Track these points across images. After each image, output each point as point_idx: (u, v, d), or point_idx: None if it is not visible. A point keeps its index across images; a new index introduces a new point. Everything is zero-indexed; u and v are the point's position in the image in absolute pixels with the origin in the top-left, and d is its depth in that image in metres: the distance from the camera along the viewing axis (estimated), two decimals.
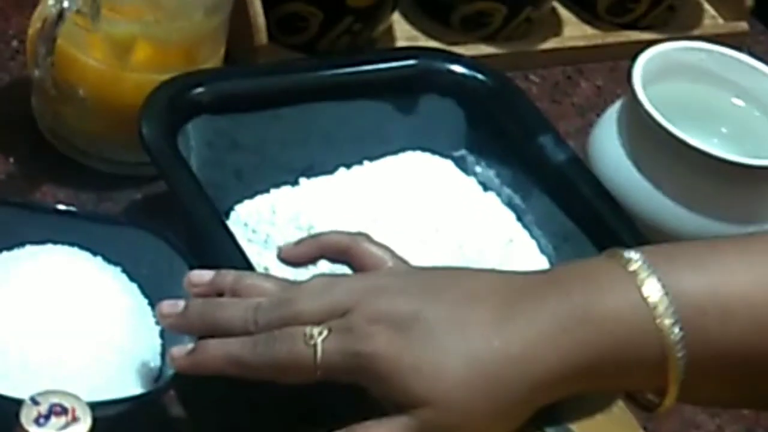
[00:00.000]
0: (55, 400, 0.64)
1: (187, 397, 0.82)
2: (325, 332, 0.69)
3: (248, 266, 0.81)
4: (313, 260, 0.78)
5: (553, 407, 0.85)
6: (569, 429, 0.84)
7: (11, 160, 0.94)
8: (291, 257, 0.78)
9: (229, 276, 0.75)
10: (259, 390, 0.82)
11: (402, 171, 0.93)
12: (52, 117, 0.94)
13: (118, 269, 0.81)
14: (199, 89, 0.89)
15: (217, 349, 0.71)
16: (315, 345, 0.69)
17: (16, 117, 0.96)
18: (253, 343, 0.70)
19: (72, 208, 0.81)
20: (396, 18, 1.10)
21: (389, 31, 1.09)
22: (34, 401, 0.64)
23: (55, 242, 0.81)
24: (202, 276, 0.75)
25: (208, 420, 0.82)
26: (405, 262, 0.76)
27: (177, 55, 0.90)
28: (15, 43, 1.02)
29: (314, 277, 0.74)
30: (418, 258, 0.84)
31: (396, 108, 0.96)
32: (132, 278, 0.81)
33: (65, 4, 0.85)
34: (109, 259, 0.81)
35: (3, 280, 0.79)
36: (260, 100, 0.91)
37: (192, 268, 0.80)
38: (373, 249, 0.76)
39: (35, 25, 0.87)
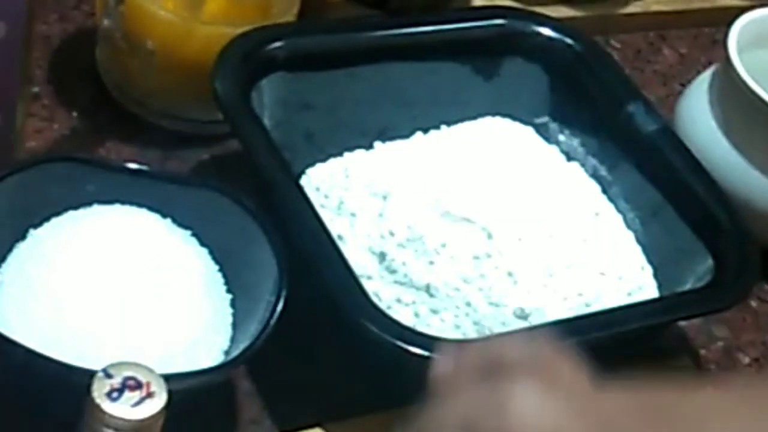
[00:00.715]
0: (129, 373, 0.59)
1: (258, 374, 0.79)
2: None
3: (324, 231, 0.76)
4: None
5: None
6: None
7: (74, 114, 0.90)
8: None
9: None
10: (333, 372, 0.80)
11: (481, 137, 0.89)
12: (118, 70, 0.89)
13: (188, 233, 0.77)
14: (276, 44, 0.84)
15: None
16: None
17: (79, 69, 0.92)
18: None
19: (143, 167, 0.77)
20: None
21: None
22: (107, 374, 0.59)
23: (123, 202, 0.76)
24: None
25: (277, 398, 0.78)
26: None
27: (251, 8, 0.85)
28: None
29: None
30: (497, 225, 0.81)
31: (476, 71, 0.91)
32: (202, 242, 0.77)
33: None
34: (179, 222, 0.77)
35: (69, 240, 0.74)
36: (336, 58, 0.87)
37: (267, 233, 0.75)
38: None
39: None
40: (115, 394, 0.59)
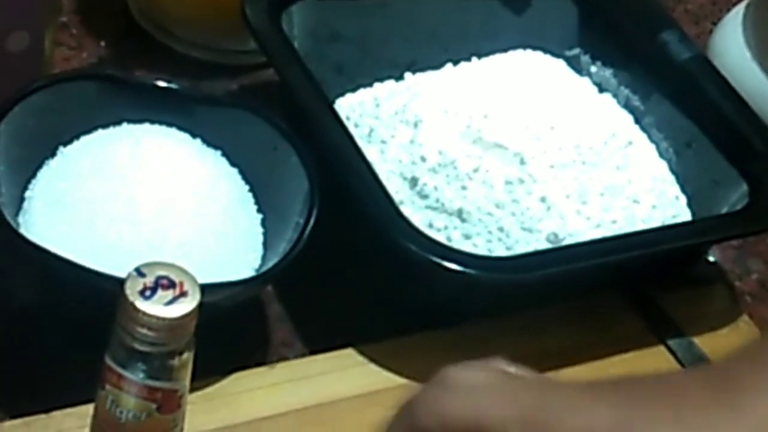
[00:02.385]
0: (163, 272, 0.58)
1: (289, 297, 0.77)
2: None
3: (358, 153, 0.75)
4: None
5: (676, 320, 0.79)
6: (692, 341, 0.78)
7: (102, 43, 0.88)
8: None
9: None
10: (364, 294, 0.78)
11: (512, 68, 0.86)
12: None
13: (218, 152, 0.75)
14: None
15: None
16: None
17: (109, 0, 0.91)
18: None
19: (172, 85, 0.75)
20: None
21: None
22: (140, 273, 0.57)
23: (152, 121, 0.74)
24: None
25: (308, 321, 0.77)
26: None
27: None
28: None
29: None
30: (530, 151, 0.79)
31: (506, 3, 0.89)
32: (232, 162, 0.75)
33: None
34: (209, 142, 0.75)
35: (98, 158, 0.73)
36: None
37: (298, 152, 0.73)
38: None
39: None
40: (148, 293, 0.57)
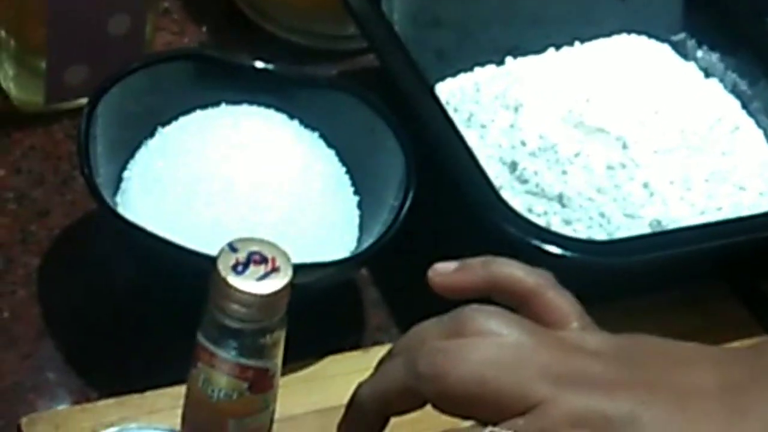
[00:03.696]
0: (255, 248, 0.56)
1: (384, 281, 0.75)
2: None
3: (458, 137, 0.73)
4: (473, 294, 0.60)
5: None
6: None
7: (203, 28, 0.87)
8: (445, 285, 0.61)
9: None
10: None
11: (615, 53, 0.83)
12: None
13: (315, 134, 0.73)
14: None
15: None
16: None
17: None
18: None
19: (271, 67, 0.73)
20: None
21: None
22: (233, 248, 0.56)
23: (251, 102, 0.73)
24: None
25: (404, 305, 0.75)
26: (589, 323, 0.59)
27: None
28: None
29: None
30: (633, 135, 0.76)
31: None
32: (330, 144, 0.73)
33: None
34: (306, 123, 0.73)
35: (197, 138, 0.72)
36: None
37: (396, 133, 0.72)
38: (559, 301, 0.58)
39: None
40: (240, 268, 0.55)
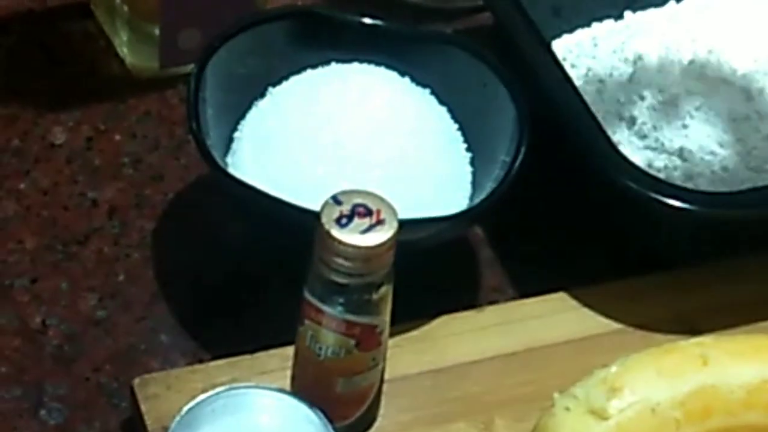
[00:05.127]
0: (360, 200, 0.54)
1: (499, 242, 0.72)
2: None
3: (575, 93, 0.70)
4: None
5: None
6: None
7: None
8: None
9: None
10: (577, 237, 0.73)
11: (738, 4, 0.80)
12: None
13: (426, 91, 0.71)
14: None
15: None
16: None
17: None
18: None
19: (381, 22, 0.71)
20: None
21: None
22: (337, 200, 0.54)
23: (361, 60, 0.71)
24: None
25: (519, 265, 0.72)
26: None
27: None
28: None
29: None
30: (759, 85, 0.72)
31: None
32: (441, 100, 0.71)
33: None
34: (417, 80, 0.71)
35: (308, 98, 0.69)
36: None
37: (509, 88, 0.69)
38: None
39: None
40: (344, 221, 0.53)
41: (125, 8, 0.76)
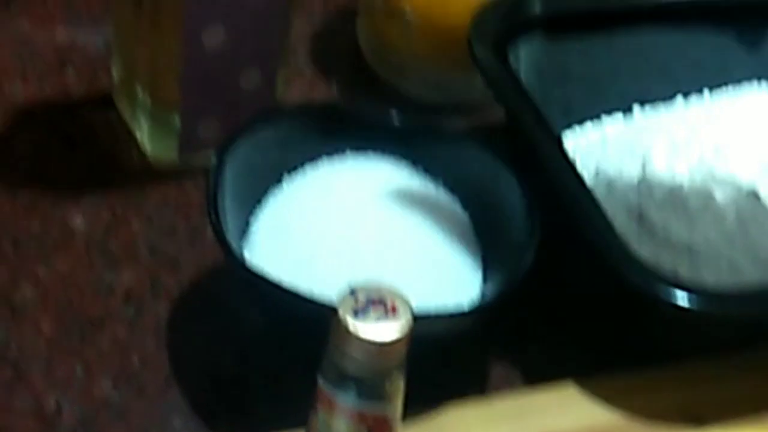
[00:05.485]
0: (374, 292, 0.55)
1: (508, 329, 0.73)
2: None
3: (585, 189, 0.71)
4: None
5: None
6: None
7: (333, 84, 0.87)
8: None
9: None
10: (584, 324, 0.74)
11: (746, 103, 0.81)
12: (377, 41, 0.86)
13: (439, 182, 0.72)
14: (534, 5, 0.79)
15: None
16: None
17: (339, 43, 0.89)
18: None
19: (395, 117, 0.73)
20: None
21: None
22: (353, 292, 0.55)
23: (376, 151, 0.73)
24: None
25: (528, 354, 0.73)
26: None
27: None
28: None
29: None
30: (766, 184, 0.73)
31: (741, 39, 0.84)
32: (453, 190, 0.72)
33: None
34: (429, 171, 0.72)
35: (323, 187, 0.71)
36: (595, 21, 0.81)
37: (520, 183, 0.70)
38: None
39: None
40: (359, 312, 0.54)
41: (148, 99, 0.78)
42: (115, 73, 0.81)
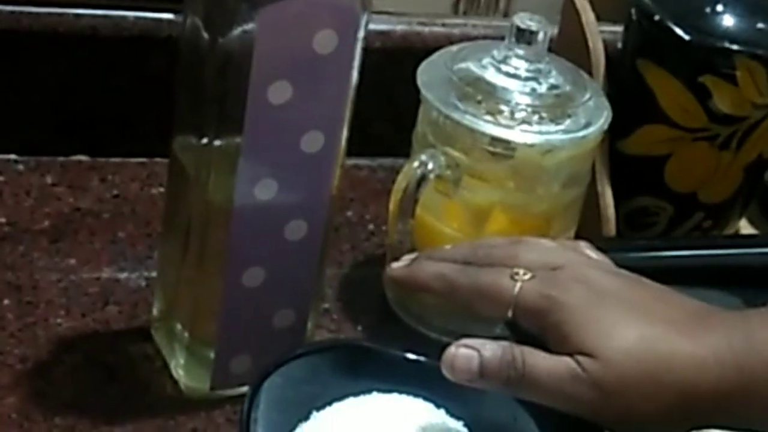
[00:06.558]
0: None
1: None
2: (530, 275, 0.72)
3: None
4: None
5: None
6: None
7: (359, 328, 0.91)
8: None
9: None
10: None
11: None
12: (401, 289, 0.90)
13: (460, 422, 0.75)
14: None
15: (430, 265, 0.78)
16: (517, 281, 0.72)
17: (367, 290, 0.93)
18: (464, 268, 0.76)
19: (420, 358, 0.76)
20: (742, 224, 1.03)
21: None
22: None
23: (400, 391, 0.76)
24: None
25: None
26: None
27: (531, 227, 0.85)
28: (371, 226, 1.00)
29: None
30: None
31: (747, 303, 0.88)
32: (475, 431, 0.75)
33: (429, 167, 0.82)
34: (452, 412, 0.76)
35: (349, 425, 0.74)
36: None
37: (537, 423, 0.73)
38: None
39: (397, 193, 0.85)
40: None
41: (186, 334, 0.82)
42: (156, 308, 0.86)
